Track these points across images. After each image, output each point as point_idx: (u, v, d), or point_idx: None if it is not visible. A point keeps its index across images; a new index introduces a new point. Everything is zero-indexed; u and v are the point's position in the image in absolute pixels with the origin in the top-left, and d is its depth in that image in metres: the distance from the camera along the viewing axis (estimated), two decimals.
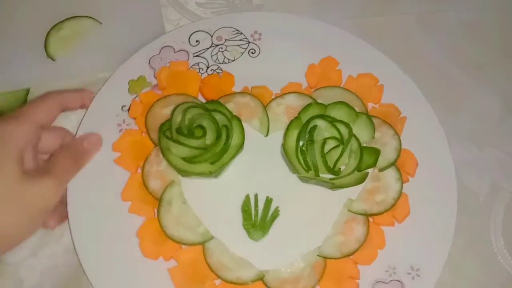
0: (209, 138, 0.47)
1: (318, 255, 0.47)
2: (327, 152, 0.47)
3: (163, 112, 0.51)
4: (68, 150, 0.47)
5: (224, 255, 0.46)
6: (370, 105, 0.54)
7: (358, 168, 0.47)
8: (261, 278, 0.45)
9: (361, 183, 0.47)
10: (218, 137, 0.47)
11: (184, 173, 0.47)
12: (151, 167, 0.49)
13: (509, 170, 0.54)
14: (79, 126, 0.51)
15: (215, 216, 0.48)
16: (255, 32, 0.57)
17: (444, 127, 0.52)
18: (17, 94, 0.55)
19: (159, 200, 0.48)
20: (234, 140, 0.48)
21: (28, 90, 0.55)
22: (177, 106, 0.48)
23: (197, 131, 0.47)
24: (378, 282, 0.46)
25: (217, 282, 0.46)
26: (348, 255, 0.46)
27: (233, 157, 0.47)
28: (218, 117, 0.48)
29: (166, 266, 0.46)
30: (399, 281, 0.46)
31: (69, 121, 0.53)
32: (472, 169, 0.54)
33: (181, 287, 0.45)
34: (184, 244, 0.46)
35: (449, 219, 0.48)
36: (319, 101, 0.53)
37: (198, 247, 0.47)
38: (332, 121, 0.49)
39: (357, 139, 0.48)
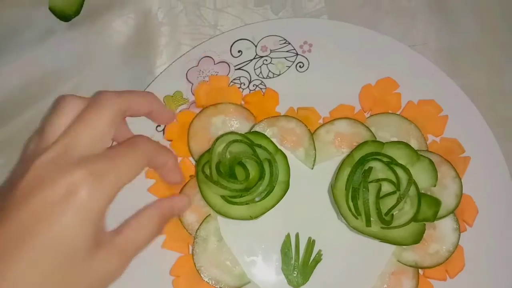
0: (251, 176, 0.43)
1: None
2: (381, 197, 0.43)
3: (211, 121, 0.48)
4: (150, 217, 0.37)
5: None
6: (430, 138, 0.48)
7: (414, 219, 0.43)
8: None
9: (417, 242, 0.42)
10: (261, 177, 0.43)
11: (221, 214, 0.44)
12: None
13: None
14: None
15: (252, 256, 0.45)
16: (305, 42, 0.50)
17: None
18: None
19: (194, 237, 0.45)
20: (279, 178, 0.44)
21: None
22: (219, 137, 0.44)
23: (239, 170, 0.43)
24: None
25: None
26: None
27: (278, 200, 0.43)
28: (260, 151, 0.44)
29: None
30: None
31: None
32: None
33: None
34: (219, 287, 0.44)
35: (507, 276, 0.44)
36: (372, 129, 0.48)
37: None
38: (389, 163, 0.44)
39: (416, 186, 0.43)
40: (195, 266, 0.44)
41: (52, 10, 0.54)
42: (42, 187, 0.30)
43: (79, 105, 0.34)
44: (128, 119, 0.47)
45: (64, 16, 0.54)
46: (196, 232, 0.45)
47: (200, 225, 0.45)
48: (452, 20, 0.54)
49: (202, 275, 0.43)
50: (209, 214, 0.45)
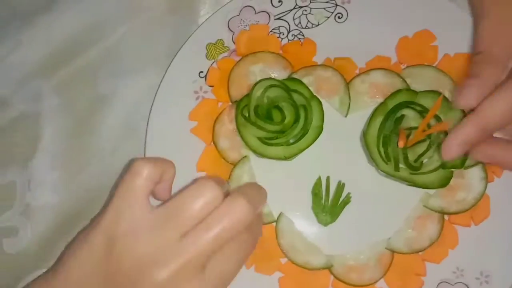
0: (286, 120, 0.46)
1: (386, 248, 0.46)
2: (410, 147, 0.44)
3: (250, 69, 0.50)
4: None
5: (296, 238, 0.47)
6: None
7: (443, 166, 0.44)
8: (329, 267, 0.46)
9: (444, 186, 0.44)
10: (296, 119, 0.45)
11: (257, 154, 0.47)
12: (222, 126, 0.49)
13: None
14: (158, 88, 0.50)
15: (285, 196, 0.48)
16: None
17: None
18: None
19: (230, 175, 0.48)
20: (313, 123, 0.46)
21: None
22: (257, 82, 0.46)
23: (275, 113, 0.45)
24: (443, 282, 0.46)
25: (283, 261, 0.47)
26: (417, 252, 0.46)
27: (311, 142, 0.46)
28: (296, 96, 0.46)
29: None
30: (465, 284, 0.45)
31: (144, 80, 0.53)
32: None
33: (249, 262, 0.47)
34: None
35: None
36: (408, 80, 0.49)
37: (269, 226, 0.48)
38: (422, 112, 0.45)
39: (447, 135, 0.45)
40: None
41: None
42: None
43: (217, 202, 0.33)
44: (172, 64, 0.51)
45: None
46: (231, 172, 0.48)
47: (235, 165, 0.48)
48: None
49: None
50: (246, 156, 0.49)
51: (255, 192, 0.37)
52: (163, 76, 0.50)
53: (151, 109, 0.50)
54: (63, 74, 0.55)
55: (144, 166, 0.34)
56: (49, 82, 0.55)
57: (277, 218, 0.48)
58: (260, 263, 0.47)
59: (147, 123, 0.50)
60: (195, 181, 0.33)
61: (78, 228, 0.50)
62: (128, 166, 0.36)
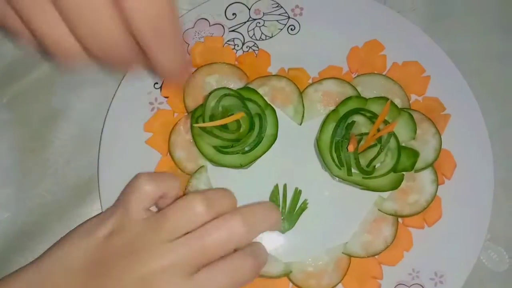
0: (242, 129, 0.46)
1: (343, 252, 0.47)
2: (362, 151, 0.46)
3: (206, 80, 0.50)
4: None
5: None
6: (413, 97, 0.51)
7: (394, 170, 0.46)
8: (288, 273, 0.46)
9: (395, 188, 0.46)
10: (251, 128, 0.46)
11: (214, 163, 0.47)
12: (178, 136, 0.49)
13: None
14: (111, 100, 0.50)
15: (242, 204, 0.48)
16: (297, 6, 0.53)
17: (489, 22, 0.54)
18: None
19: (186, 186, 0.48)
20: (268, 131, 0.47)
21: None
22: (212, 92, 0.47)
23: (231, 123, 0.46)
24: (400, 284, 0.47)
25: None
26: (374, 255, 0.47)
27: (266, 150, 0.46)
28: (251, 105, 0.47)
29: None
30: (421, 285, 0.46)
31: (99, 92, 0.52)
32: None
33: None
34: None
35: (480, 229, 0.47)
36: (359, 88, 0.50)
37: None
38: (372, 117, 0.46)
39: (397, 139, 0.46)
40: None
41: None
42: None
43: (205, 217, 0.34)
44: (126, 76, 0.51)
45: None
46: (188, 182, 0.48)
47: (193, 174, 0.48)
48: None
49: None
50: (202, 166, 0.49)
51: (258, 217, 0.37)
52: (117, 88, 0.50)
53: (104, 121, 0.50)
54: (16, 89, 0.54)
55: (145, 183, 0.37)
56: (1, 98, 0.53)
57: None
58: None
59: (101, 135, 0.49)
60: (185, 195, 0.35)
61: (34, 243, 0.49)
62: (134, 179, 0.38)
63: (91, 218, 0.43)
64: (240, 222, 0.33)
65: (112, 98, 0.50)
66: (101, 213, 0.44)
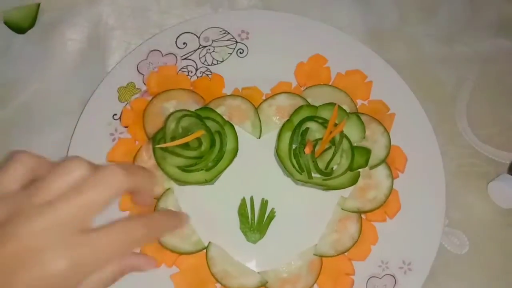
0: (203, 146, 0.48)
1: (314, 254, 0.48)
2: (319, 155, 0.48)
3: (164, 106, 0.52)
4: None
5: (227, 263, 0.48)
6: (359, 102, 0.55)
7: (350, 168, 0.49)
8: (264, 284, 0.47)
9: (353, 184, 0.48)
10: (212, 144, 0.48)
11: (180, 182, 0.48)
12: (141, 163, 0.50)
13: (473, 63, 0.60)
14: (71, 138, 0.51)
15: (212, 221, 0.50)
16: (242, 31, 0.57)
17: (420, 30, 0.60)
18: (28, 8, 0.59)
19: (154, 208, 0.48)
20: (228, 145, 0.49)
21: (38, 5, 0.59)
22: (170, 114, 0.49)
23: (192, 141, 0.47)
24: (372, 277, 0.48)
25: (218, 286, 0.47)
26: (343, 252, 0.48)
27: (228, 164, 0.48)
28: (210, 123, 0.49)
29: (168, 273, 0.47)
30: (392, 275, 0.48)
31: (58, 131, 0.53)
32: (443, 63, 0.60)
33: None
34: (178, 253, 0.47)
35: (438, 213, 0.50)
36: (309, 99, 0.54)
37: (200, 253, 0.48)
38: (324, 123, 0.49)
39: (348, 140, 0.49)
40: None
41: (7, 24, 0.58)
42: (25, 267, 0.28)
43: (84, 172, 0.30)
44: (84, 112, 0.52)
45: (19, 29, 0.58)
46: (155, 205, 0.49)
47: (160, 197, 0.49)
48: (373, 5, 0.62)
49: (163, 244, 0.47)
50: (168, 188, 0.50)
51: (134, 167, 0.36)
52: (77, 122, 0.51)
53: (67, 155, 0.50)
54: None
55: (23, 152, 0.32)
56: None
57: (207, 248, 0.48)
58: None
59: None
60: (65, 158, 0.31)
61: None
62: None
63: None
64: (119, 169, 0.30)
65: (72, 134, 0.51)
66: None
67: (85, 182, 0.30)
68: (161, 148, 0.47)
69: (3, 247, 0.28)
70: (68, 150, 0.51)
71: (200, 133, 0.47)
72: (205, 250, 0.48)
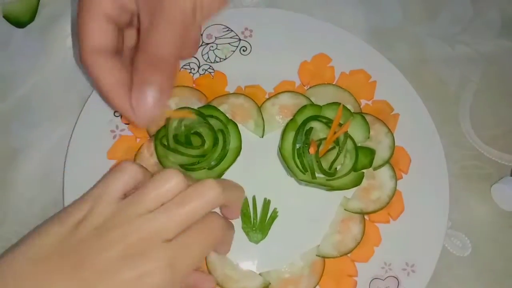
0: (206, 145, 0.47)
1: (316, 255, 0.48)
2: (322, 155, 0.48)
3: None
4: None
5: (228, 267, 0.47)
6: (363, 102, 0.54)
7: (354, 169, 0.48)
8: (266, 286, 0.46)
9: (357, 185, 0.48)
10: (215, 143, 0.47)
11: None
12: (141, 161, 0.49)
13: (477, 64, 0.60)
14: (71, 134, 0.50)
15: None
16: (246, 29, 0.56)
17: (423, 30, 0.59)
18: (28, 2, 0.57)
19: None
20: (231, 144, 0.48)
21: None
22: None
23: (194, 139, 0.47)
24: (375, 279, 0.48)
25: None
26: (346, 254, 0.48)
27: (231, 163, 0.48)
28: (213, 122, 0.48)
29: None
30: (395, 277, 0.48)
31: (59, 126, 0.53)
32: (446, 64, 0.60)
33: None
34: None
35: (441, 214, 0.50)
36: (312, 99, 0.53)
37: None
38: (328, 123, 0.49)
39: (353, 140, 0.49)
40: None
41: (7, 18, 0.57)
42: (126, 266, 0.31)
43: (180, 183, 0.34)
44: (84, 109, 0.51)
45: (19, 23, 0.57)
46: None
47: None
48: (377, 5, 0.62)
49: None
50: None
51: (228, 182, 0.38)
52: (77, 119, 0.50)
53: (66, 155, 0.49)
54: None
55: (128, 164, 0.35)
56: None
57: None
58: None
59: (64, 170, 0.49)
60: (160, 171, 0.34)
61: None
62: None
63: (66, 206, 0.40)
64: (215, 184, 0.34)
65: (72, 131, 0.50)
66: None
67: (184, 194, 0.33)
68: (164, 146, 0.47)
69: (104, 252, 0.31)
70: (68, 146, 0.50)
71: (189, 113, 0.46)
72: None
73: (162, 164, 0.47)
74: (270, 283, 0.47)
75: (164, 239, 0.32)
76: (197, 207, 0.33)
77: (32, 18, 0.58)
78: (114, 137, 0.51)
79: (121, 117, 0.51)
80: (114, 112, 0.51)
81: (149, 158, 0.50)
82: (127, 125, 0.51)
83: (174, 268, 0.32)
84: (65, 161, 0.50)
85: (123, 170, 0.35)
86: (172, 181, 0.33)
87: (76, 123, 0.50)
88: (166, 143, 0.47)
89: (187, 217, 0.33)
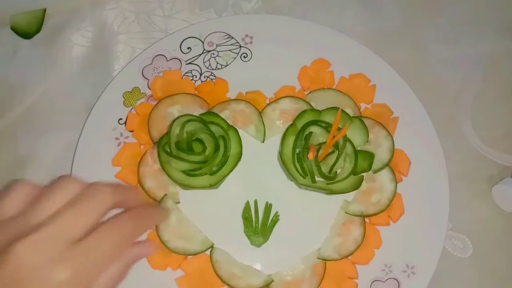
0: (208, 151, 0.48)
1: (317, 258, 0.49)
2: (322, 159, 0.48)
3: (168, 110, 0.52)
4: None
5: (232, 265, 0.48)
6: (362, 106, 0.55)
7: (354, 172, 0.49)
8: (269, 283, 0.47)
9: (357, 188, 0.48)
10: (216, 149, 0.48)
11: (184, 186, 0.48)
12: (145, 168, 0.51)
13: (478, 65, 0.60)
14: (77, 142, 0.52)
15: (216, 225, 0.50)
16: (246, 35, 0.57)
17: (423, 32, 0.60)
18: (34, 13, 0.59)
19: None
20: (232, 150, 0.49)
21: (44, 10, 0.59)
22: (175, 119, 0.49)
23: (196, 145, 0.48)
24: (375, 281, 0.48)
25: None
26: (347, 256, 0.49)
27: (232, 168, 0.49)
28: (214, 128, 0.49)
29: (173, 276, 0.48)
30: (395, 279, 0.48)
31: (64, 135, 0.54)
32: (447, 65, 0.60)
33: None
34: (187, 254, 0.48)
35: (441, 216, 0.50)
36: (312, 103, 0.54)
37: (204, 256, 0.48)
38: (327, 127, 0.50)
39: (352, 144, 0.49)
40: (161, 241, 0.48)
41: (14, 29, 0.59)
42: (24, 283, 0.29)
43: (74, 190, 0.33)
44: (90, 117, 0.52)
45: (26, 34, 0.59)
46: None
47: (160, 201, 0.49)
48: (377, 8, 0.62)
49: (168, 247, 0.48)
50: (165, 194, 0.50)
51: (120, 185, 0.37)
52: (83, 127, 0.52)
53: (73, 162, 0.51)
54: None
55: (24, 182, 0.34)
56: None
57: (211, 252, 0.49)
58: None
59: (70, 174, 0.50)
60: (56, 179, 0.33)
61: None
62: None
63: None
64: (106, 187, 0.33)
65: (78, 140, 0.52)
66: None
67: (75, 198, 0.32)
68: (166, 153, 0.48)
69: (2, 269, 0.28)
70: (74, 154, 0.51)
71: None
72: (209, 254, 0.49)
73: (165, 170, 0.48)
74: (273, 280, 0.48)
75: (66, 241, 0.30)
76: (86, 207, 0.32)
77: (38, 29, 0.59)
78: (119, 144, 0.52)
79: (125, 124, 0.53)
80: (119, 119, 0.53)
81: (152, 164, 0.51)
82: (131, 133, 0.52)
83: (82, 276, 0.30)
84: (71, 168, 0.51)
85: (13, 188, 0.33)
86: (66, 190, 0.32)
87: (82, 130, 0.52)
88: (168, 150, 0.48)
89: (78, 218, 0.31)
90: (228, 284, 0.48)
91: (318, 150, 0.49)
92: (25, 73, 0.58)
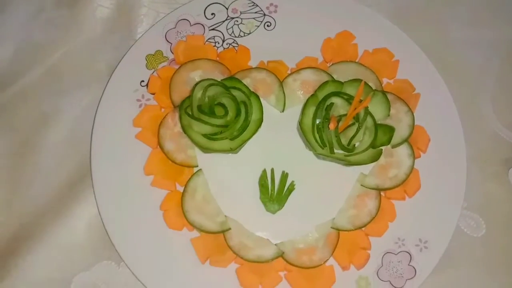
0: (229, 115, 0.49)
1: (331, 227, 0.49)
2: (342, 131, 0.49)
3: (190, 75, 0.52)
4: None
5: (244, 236, 0.48)
6: (384, 81, 0.55)
7: (373, 146, 0.49)
8: (280, 255, 0.48)
9: (375, 161, 0.49)
10: (238, 114, 0.48)
11: (205, 149, 0.49)
12: (166, 130, 0.51)
13: (499, 47, 0.60)
14: (99, 102, 0.52)
15: (233, 191, 0.51)
16: (271, 4, 0.57)
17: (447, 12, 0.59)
18: None
19: (184, 186, 0.49)
20: (253, 116, 0.49)
21: None
22: (197, 83, 0.49)
23: (218, 109, 0.48)
24: (388, 253, 0.49)
25: None
26: (360, 227, 0.49)
27: (253, 133, 0.49)
28: (236, 93, 0.49)
29: (189, 237, 0.49)
30: (407, 252, 0.49)
31: (87, 95, 0.55)
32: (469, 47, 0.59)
33: (203, 256, 0.48)
34: (201, 230, 0.48)
35: (457, 194, 0.50)
36: (334, 76, 0.54)
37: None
38: (349, 99, 0.50)
39: (373, 117, 0.49)
40: (182, 210, 0.48)
41: None
42: None
43: None
44: (112, 78, 0.53)
45: None
46: (187, 183, 0.49)
47: (190, 178, 0.50)
48: None
49: (187, 218, 0.48)
50: (200, 169, 0.50)
51: None
52: (105, 87, 0.52)
53: (94, 120, 0.51)
54: (4, 96, 0.55)
55: None
56: None
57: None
58: (214, 257, 0.48)
59: (91, 134, 0.51)
60: None
61: (32, 244, 0.49)
62: None
63: None
64: None
65: (100, 99, 0.52)
66: None
67: None
68: (188, 115, 0.48)
69: None
70: (95, 114, 0.52)
71: None
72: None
73: (186, 133, 0.49)
74: (283, 252, 0.48)
75: None
76: None
77: None
78: (140, 106, 0.52)
79: (147, 86, 0.53)
80: (141, 81, 0.53)
81: (173, 127, 0.51)
82: (152, 95, 0.53)
83: None
84: (92, 128, 0.52)
85: None
86: None
87: (103, 91, 0.52)
88: (190, 113, 0.48)
89: None
90: (238, 255, 0.48)
91: (338, 122, 0.49)
92: (49, 32, 0.58)
